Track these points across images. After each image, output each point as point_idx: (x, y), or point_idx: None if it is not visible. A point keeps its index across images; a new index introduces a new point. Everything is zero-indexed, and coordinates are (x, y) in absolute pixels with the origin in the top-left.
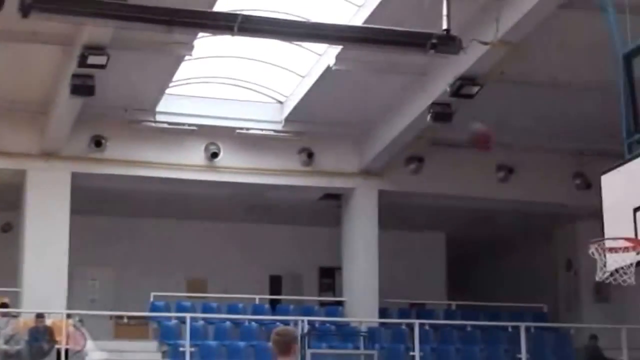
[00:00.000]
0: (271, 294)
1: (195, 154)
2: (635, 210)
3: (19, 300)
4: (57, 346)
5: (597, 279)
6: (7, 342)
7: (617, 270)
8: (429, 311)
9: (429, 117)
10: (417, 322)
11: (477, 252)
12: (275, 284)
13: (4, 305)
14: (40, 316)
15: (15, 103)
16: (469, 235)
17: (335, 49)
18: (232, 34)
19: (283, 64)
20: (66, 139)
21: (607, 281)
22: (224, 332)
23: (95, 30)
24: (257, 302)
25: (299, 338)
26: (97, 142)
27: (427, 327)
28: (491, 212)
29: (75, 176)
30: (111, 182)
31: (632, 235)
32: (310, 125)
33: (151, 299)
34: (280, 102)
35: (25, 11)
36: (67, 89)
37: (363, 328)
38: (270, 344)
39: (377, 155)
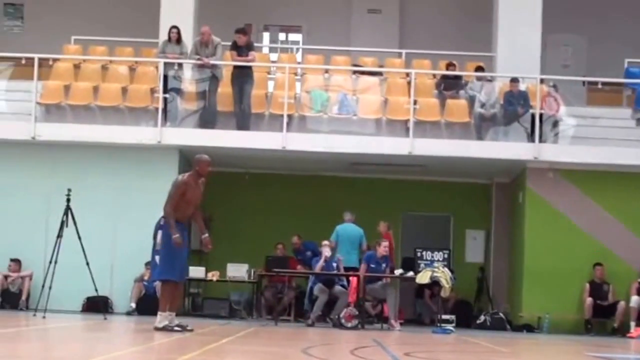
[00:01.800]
0: None
1: None
2: None
3: (493, 65)
4: (531, 110)
5: None
6: (482, 105)
7: None
8: None
9: None
10: None
11: None
12: None
13: (480, 69)
14: (514, 80)
15: None
16: None
17: None
18: None
19: None
20: None
21: None
22: None
23: None
24: None
25: None
26: None
27: None
28: None
29: None
30: None
31: None
32: None
33: (625, 65)
34: None
35: None
36: None
37: None
38: None
39: None
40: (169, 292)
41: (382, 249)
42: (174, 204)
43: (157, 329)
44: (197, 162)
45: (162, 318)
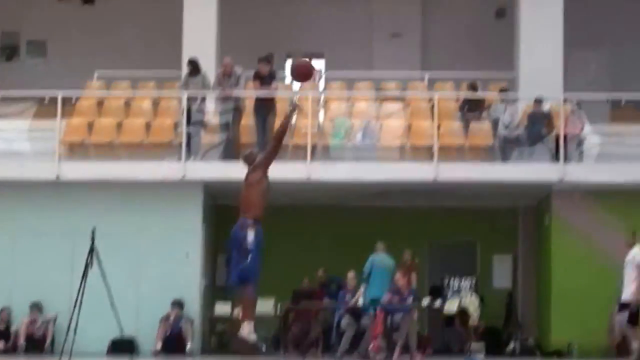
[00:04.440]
0: None
1: None
2: None
3: (516, 85)
4: (555, 131)
5: None
6: (506, 127)
7: None
8: None
9: None
10: None
11: None
12: None
13: (503, 90)
14: (538, 101)
15: None
16: None
17: None
18: None
19: None
20: None
21: None
22: None
23: None
24: None
25: None
26: None
27: None
28: None
29: None
30: None
31: None
32: None
33: None
34: None
35: None
36: None
37: None
38: None
39: None
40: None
41: (403, 280)
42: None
43: (248, 341)
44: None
45: (251, 327)
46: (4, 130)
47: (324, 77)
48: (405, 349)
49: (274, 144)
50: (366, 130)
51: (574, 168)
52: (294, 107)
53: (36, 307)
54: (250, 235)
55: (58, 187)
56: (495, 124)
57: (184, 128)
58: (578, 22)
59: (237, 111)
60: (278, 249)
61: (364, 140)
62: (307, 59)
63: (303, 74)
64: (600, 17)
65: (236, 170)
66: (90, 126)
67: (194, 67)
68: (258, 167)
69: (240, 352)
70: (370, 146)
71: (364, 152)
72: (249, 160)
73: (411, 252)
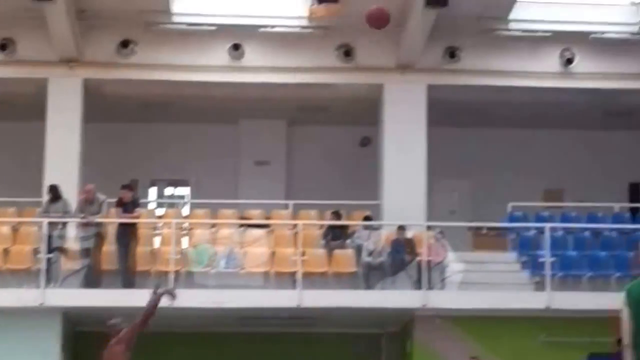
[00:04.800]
0: (631, 202)
1: (551, 60)
2: None
3: (380, 213)
4: (418, 258)
5: None
6: (370, 254)
7: None
8: None
9: None
10: None
11: None
12: (635, 192)
13: (367, 218)
14: (401, 228)
15: None
16: None
17: None
18: None
19: None
20: (421, 52)
21: None
22: (583, 242)
23: None
24: (616, 210)
25: None
26: (451, 54)
27: None
28: None
29: (430, 88)
30: (466, 93)
31: None
32: None
33: (509, 210)
34: (636, 4)
35: None
36: (422, 1)
37: None
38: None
39: None
40: None
41: None
42: None
43: None
44: None
45: None
46: None
47: (188, 204)
48: None
49: (140, 321)
50: (230, 257)
51: (436, 295)
52: (170, 294)
53: None
54: None
55: None
56: (358, 250)
57: (43, 254)
58: (441, 152)
59: (99, 237)
60: None
61: (228, 267)
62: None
63: (378, 18)
64: (462, 148)
65: (96, 297)
66: None
67: (55, 194)
68: (122, 340)
69: None
70: (233, 273)
71: (228, 278)
72: (112, 331)
73: None
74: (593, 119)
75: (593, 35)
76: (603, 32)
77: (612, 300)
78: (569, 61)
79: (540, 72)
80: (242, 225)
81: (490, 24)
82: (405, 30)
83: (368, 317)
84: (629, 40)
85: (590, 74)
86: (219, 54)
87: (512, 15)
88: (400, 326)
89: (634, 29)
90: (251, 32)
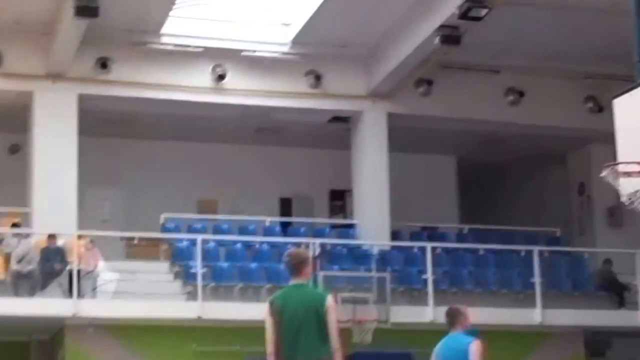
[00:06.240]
0: (282, 216)
1: (201, 76)
2: None
3: (30, 220)
4: (69, 266)
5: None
6: (19, 262)
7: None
8: (441, 234)
9: (437, 40)
10: (429, 244)
11: (489, 176)
12: (286, 207)
13: (16, 225)
14: (52, 236)
15: (20, 24)
16: (480, 158)
17: None
18: None
19: None
20: (72, 61)
21: (627, 205)
22: (235, 254)
23: None
24: (267, 224)
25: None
26: (103, 64)
27: (439, 251)
28: (502, 136)
29: (82, 98)
30: (118, 104)
31: None
32: (318, 48)
33: (162, 220)
34: (287, 24)
35: None
36: (72, 10)
37: (375, 251)
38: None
39: (386, 77)
40: None
41: None
42: None
43: None
44: None
45: None
46: None
47: None
48: None
49: None
50: None
51: (88, 303)
52: None
53: None
54: None
55: None
56: (7, 258)
57: None
58: (94, 161)
59: None
60: None
61: None
62: None
63: None
64: (115, 157)
65: None
66: None
67: None
68: None
69: None
70: None
71: None
72: None
73: None
74: (245, 134)
75: (245, 53)
76: (255, 50)
77: (262, 311)
78: (221, 77)
79: (193, 86)
80: None
81: (142, 37)
82: (56, 39)
83: (16, 326)
84: (280, 60)
85: (242, 90)
86: None
87: (164, 30)
88: (51, 335)
89: (285, 48)
90: None
